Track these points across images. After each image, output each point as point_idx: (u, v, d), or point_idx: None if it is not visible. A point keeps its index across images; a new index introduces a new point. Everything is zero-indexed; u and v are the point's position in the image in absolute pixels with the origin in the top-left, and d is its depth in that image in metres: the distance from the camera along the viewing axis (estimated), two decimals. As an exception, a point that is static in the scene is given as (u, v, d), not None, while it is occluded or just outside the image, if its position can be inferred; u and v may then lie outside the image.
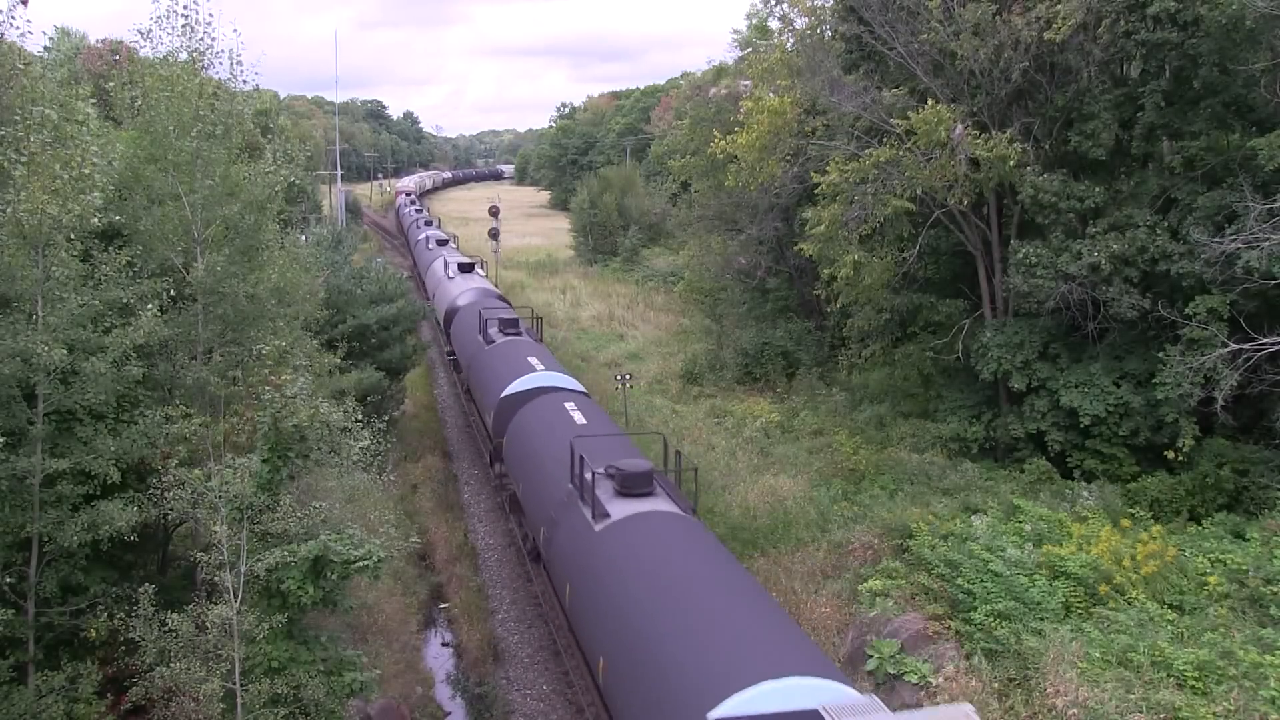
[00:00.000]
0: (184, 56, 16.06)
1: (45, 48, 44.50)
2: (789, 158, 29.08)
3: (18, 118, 12.17)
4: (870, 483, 23.13)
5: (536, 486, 19.02)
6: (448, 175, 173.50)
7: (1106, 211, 21.16)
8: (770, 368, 33.90)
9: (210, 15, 16.06)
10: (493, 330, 29.55)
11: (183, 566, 16.04)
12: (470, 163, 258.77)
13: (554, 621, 19.65)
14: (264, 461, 12.63)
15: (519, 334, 29.60)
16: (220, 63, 16.44)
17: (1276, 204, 17.97)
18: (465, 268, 44.37)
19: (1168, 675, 13.85)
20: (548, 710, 17.60)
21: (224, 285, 15.62)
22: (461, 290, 39.25)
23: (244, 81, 16.90)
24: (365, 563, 12.40)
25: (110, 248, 13.75)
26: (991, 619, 15.66)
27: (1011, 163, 21.66)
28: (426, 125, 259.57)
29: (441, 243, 58.96)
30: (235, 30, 16.55)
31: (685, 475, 17.84)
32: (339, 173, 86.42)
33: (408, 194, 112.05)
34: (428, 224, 73.90)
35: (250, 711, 11.69)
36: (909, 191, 22.74)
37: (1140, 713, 13.13)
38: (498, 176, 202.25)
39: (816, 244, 25.48)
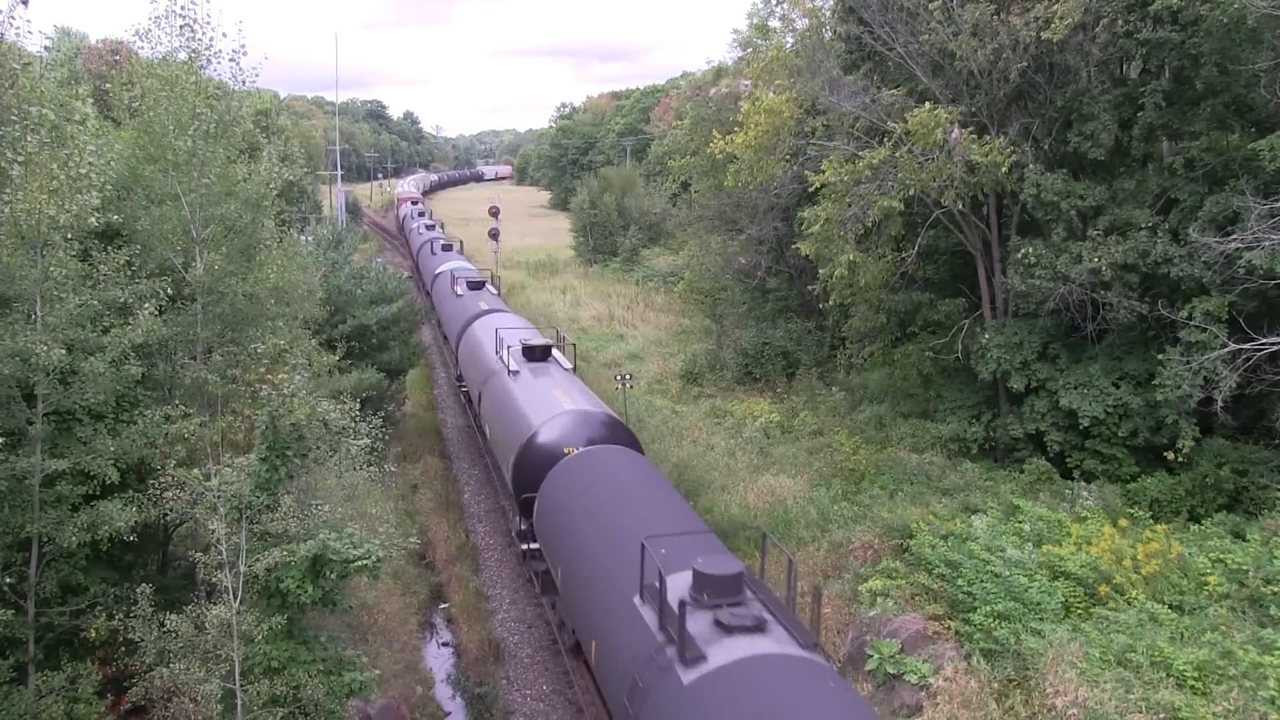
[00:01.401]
0: (183, 56, 16.06)
1: (45, 48, 44.50)
2: (788, 158, 29.07)
3: (14, 118, 12.17)
4: (870, 483, 23.13)
5: None
6: (434, 178, 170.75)
7: (1107, 210, 21.15)
8: (770, 368, 33.90)
9: (209, 16, 16.08)
10: (675, 593, 11.72)
11: (183, 566, 16.03)
12: (470, 163, 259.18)
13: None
14: (262, 461, 12.64)
15: (746, 607, 11.52)
16: (219, 62, 16.45)
17: (1278, 204, 17.96)
18: (537, 353, 25.05)
19: (1167, 675, 13.84)
20: (548, 710, 17.60)
21: (222, 284, 15.62)
22: (545, 402, 20.91)
23: (243, 82, 16.92)
24: (364, 561, 12.40)
25: (109, 247, 13.76)
26: (991, 619, 15.65)
27: (1004, 169, 21.68)
28: (427, 125, 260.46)
29: (476, 285, 38.79)
30: (240, 30, 16.52)
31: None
32: (339, 173, 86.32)
33: (413, 201, 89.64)
34: (446, 249, 53.05)
35: (249, 711, 11.69)
36: (902, 192, 22.74)
37: (1140, 713, 13.12)
38: (479, 178, 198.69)
39: (813, 244, 25.49)
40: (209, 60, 16.26)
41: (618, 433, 19.88)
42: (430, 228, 66.57)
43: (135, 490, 13.20)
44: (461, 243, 63.27)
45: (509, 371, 23.89)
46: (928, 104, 22.12)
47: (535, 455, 19.25)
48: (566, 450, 18.84)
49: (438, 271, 45.63)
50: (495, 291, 39.96)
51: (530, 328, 31.32)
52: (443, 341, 39.40)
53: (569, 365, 25.46)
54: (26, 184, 11.69)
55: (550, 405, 20.52)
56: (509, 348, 25.27)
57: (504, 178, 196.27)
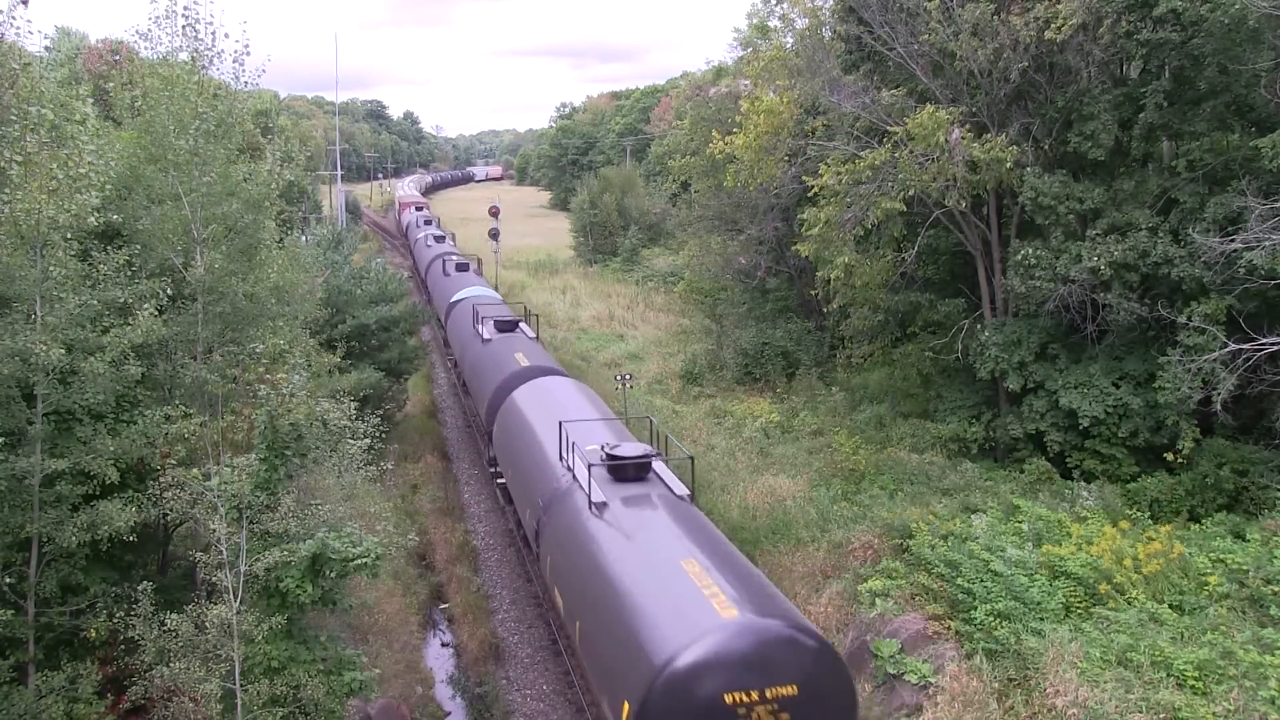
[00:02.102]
0: (184, 56, 16.06)
1: (45, 48, 44.48)
2: (788, 158, 29.08)
3: (14, 118, 12.18)
4: (870, 483, 23.11)
5: None
6: (430, 179, 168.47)
7: (1106, 212, 21.15)
8: (770, 368, 33.89)
9: (211, 16, 16.07)
10: None
11: (183, 566, 16.03)
12: (470, 162, 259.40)
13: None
14: (261, 460, 12.64)
15: None
16: (221, 63, 16.44)
17: (1279, 204, 17.95)
18: (630, 471, 15.96)
19: (1168, 675, 13.84)
20: (548, 710, 17.59)
21: (223, 284, 15.62)
22: (677, 596, 11.85)
23: (246, 83, 16.92)
24: (363, 560, 12.41)
25: (109, 247, 13.75)
26: (991, 619, 15.64)
27: (1008, 165, 21.67)
28: (427, 125, 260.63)
29: (507, 326, 29.89)
30: (245, 31, 16.51)
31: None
32: (339, 173, 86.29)
33: (416, 206, 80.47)
34: (461, 268, 44.20)
35: (249, 711, 11.69)
36: (903, 193, 22.73)
37: (1140, 713, 13.12)
38: (469, 179, 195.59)
39: (812, 244, 25.49)
40: (210, 60, 16.26)
41: (824, 667, 11.16)
42: (440, 239, 56.08)
43: (135, 490, 13.20)
44: (480, 261, 50.92)
45: (591, 504, 15.11)
46: (928, 106, 22.12)
47: (679, 711, 10.69)
48: (728, 700, 10.61)
49: (454, 299, 36.67)
50: (533, 335, 30.13)
51: (603, 410, 21.87)
52: (462, 392, 32.84)
53: (684, 490, 15.73)
54: (26, 184, 11.69)
55: (691, 605, 11.56)
56: (588, 464, 15.79)
57: (495, 178, 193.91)
